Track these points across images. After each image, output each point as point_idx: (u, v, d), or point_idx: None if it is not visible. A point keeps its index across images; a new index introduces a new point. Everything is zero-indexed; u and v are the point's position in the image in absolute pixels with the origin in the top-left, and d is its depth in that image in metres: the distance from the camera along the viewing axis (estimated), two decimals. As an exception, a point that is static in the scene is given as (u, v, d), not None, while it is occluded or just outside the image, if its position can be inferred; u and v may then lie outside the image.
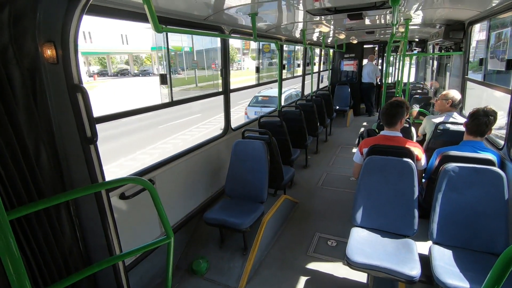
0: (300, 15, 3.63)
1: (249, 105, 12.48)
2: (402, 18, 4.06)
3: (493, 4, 2.96)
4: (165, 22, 2.54)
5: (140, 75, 41.49)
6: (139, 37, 39.41)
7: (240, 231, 2.79)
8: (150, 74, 40.32)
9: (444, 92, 3.46)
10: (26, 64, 1.54)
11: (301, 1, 2.90)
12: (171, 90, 2.62)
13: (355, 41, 8.54)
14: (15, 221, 1.32)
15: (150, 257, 2.63)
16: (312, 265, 2.93)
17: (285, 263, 2.97)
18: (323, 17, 3.72)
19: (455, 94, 3.34)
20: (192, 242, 3.19)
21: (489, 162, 2.32)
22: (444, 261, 2.10)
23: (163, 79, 2.52)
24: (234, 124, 4.01)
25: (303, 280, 2.73)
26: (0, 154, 1.32)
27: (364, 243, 2.35)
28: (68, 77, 1.58)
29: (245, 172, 3.20)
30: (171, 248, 1.45)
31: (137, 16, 2.16)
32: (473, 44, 4.28)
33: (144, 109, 2.40)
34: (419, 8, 3.48)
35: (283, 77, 5.06)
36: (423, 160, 2.68)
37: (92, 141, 1.71)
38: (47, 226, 1.51)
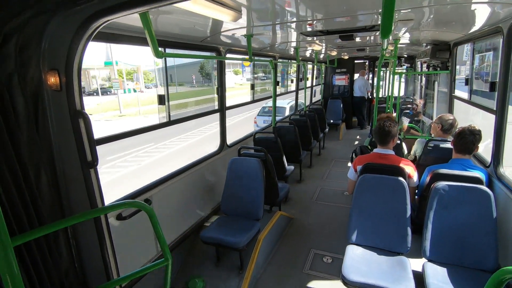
0: (294, 36, 3.76)
1: (258, 115, 13.89)
2: (391, 38, 4.23)
3: (475, 29, 3.13)
4: (164, 44, 2.61)
5: (94, 94, 33.98)
6: (91, 51, 32.67)
7: (236, 250, 2.79)
8: (109, 93, 32.76)
9: (439, 115, 3.50)
10: (30, 91, 1.58)
11: (294, 25, 3.01)
12: (169, 110, 2.67)
13: (346, 57, 8.79)
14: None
15: (146, 277, 2.61)
16: (308, 283, 2.93)
17: (281, 281, 2.97)
18: (316, 37, 3.85)
19: (446, 118, 3.32)
20: (188, 261, 3.17)
21: (477, 180, 2.41)
22: (437, 279, 2.15)
23: (161, 100, 2.57)
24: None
25: None
26: (2, 177, 1.34)
27: (359, 261, 2.39)
28: (71, 103, 1.61)
29: (241, 189, 3.22)
30: (169, 271, 1.46)
31: (138, 40, 2.23)
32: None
33: (143, 129, 2.44)
34: (407, 31, 3.65)
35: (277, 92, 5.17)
36: (415, 178, 2.76)
37: (93, 165, 1.73)
38: (45, 248, 1.51)
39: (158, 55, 1.89)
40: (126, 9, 1.40)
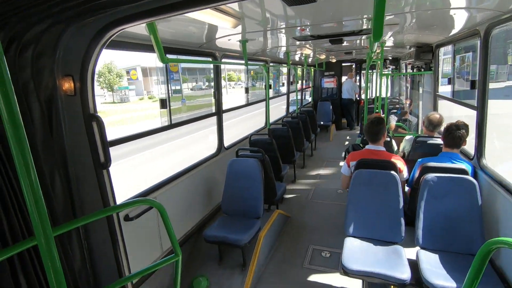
0: (286, 41, 3.92)
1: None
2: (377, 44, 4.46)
3: (455, 31, 3.36)
4: (166, 50, 2.72)
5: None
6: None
7: (239, 247, 2.89)
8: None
9: (426, 115, 3.65)
10: (44, 97, 1.66)
11: (287, 30, 3.17)
12: (170, 114, 2.77)
13: (334, 60, 9.06)
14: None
15: (153, 276, 2.67)
16: (309, 277, 3.05)
17: (283, 277, 3.07)
18: (306, 42, 4.03)
19: (431, 116, 3.48)
20: (191, 261, 3.23)
21: (463, 171, 2.59)
22: (431, 264, 2.30)
23: (163, 104, 2.67)
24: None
25: None
26: (10, 184, 1.40)
27: (357, 252, 2.52)
28: (85, 107, 1.69)
29: (241, 189, 3.33)
30: (179, 266, 1.50)
31: (145, 47, 2.33)
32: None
33: (149, 132, 2.56)
34: (392, 35, 3.86)
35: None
36: (405, 172, 2.93)
37: (106, 166, 1.81)
38: (59, 247, 1.56)
39: (163, 60, 1.99)
40: (138, 19, 1.50)
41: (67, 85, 1.65)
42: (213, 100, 3.75)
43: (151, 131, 2.64)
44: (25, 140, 0.75)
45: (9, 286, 1.31)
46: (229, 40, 3.21)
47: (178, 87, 28.23)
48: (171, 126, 2.81)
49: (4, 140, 1.34)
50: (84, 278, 1.89)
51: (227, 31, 2.82)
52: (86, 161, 1.78)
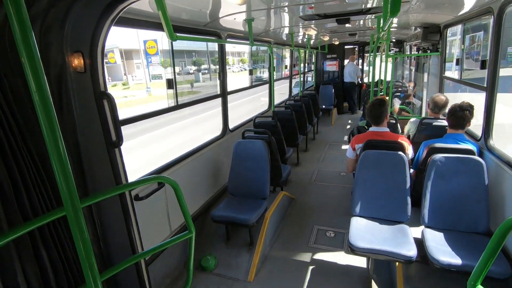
0: (292, 21, 3.82)
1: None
2: (382, 22, 4.35)
3: (466, 10, 3.28)
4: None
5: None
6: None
7: (247, 226, 2.93)
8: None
9: (432, 96, 3.61)
10: (53, 73, 1.63)
11: (294, 8, 3.09)
12: (177, 95, 2.74)
13: (337, 42, 8.89)
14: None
15: (162, 255, 2.72)
16: (315, 255, 3.12)
17: (289, 255, 3.14)
18: (313, 21, 3.93)
19: (436, 98, 3.44)
20: (198, 241, 3.29)
21: (470, 152, 2.60)
22: (436, 242, 2.35)
23: (170, 84, 2.64)
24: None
25: (307, 269, 2.92)
26: (32, 158, 1.40)
27: (364, 231, 2.56)
28: (96, 85, 1.67)
29: (247, 170, 3.34)
30: (193, 242, 1.53)
31: (153, 25, 2.27)
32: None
33: (159, 112, 2.57)
34: (401, 13, 3.77)
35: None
36: (410, 151, 2.94)
37: (118, 145, 1.80)
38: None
39: (172, 37, 1.94)
40: None
41: (77, 61, 1.62)
42: (218, 81, 3.70)
43: (161, 111, 2.62)
44: (53, 113, 0.74)
45: (30, 260, 1.33)
46: (234, 19, 3.14)
47: (158, 73, 26.20)
48: (177, 107, 2.79)
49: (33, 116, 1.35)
50: (97, 255, 1.93)
51: (232, 9, 2.75)
52: (97, 139, 1.77)
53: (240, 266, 2.96)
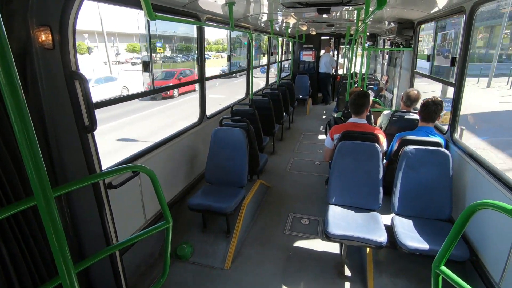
0: (273, 7, 3.75)
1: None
2: (362, 15, 4.42)
3: (439, 8, 3.42)
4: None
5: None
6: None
7: (224, 215, 2.92)
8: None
9: (405, 90, 3.76)
10: (16, 49, 1.46)
11: None
12: (153, 77, 2.60)
13: (314, 33, 8.93)
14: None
15: (135, 245, 2.64)
16: (290, 242, 3.19)
17: (265, 242, 3.19)
18: (294, 9, 3.89)
19: (410, 92, 3.60)
20: (174, 229, 3.22)
21: (437, 144, 2.77)
22: (404, 228, 2.50)
23: (146, 67, 2.48)
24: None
25: (283, 255, 2.99)
26: None
27: (339, 218, 2.66)
28: (66, 64, 1.52)
29: (225, 159, 3.30)
30: (170, 232, 1.46)
31: (131, 2, 2.10)
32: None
33: (134, 95, 2.42)
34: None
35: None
36: (384, 144, 3.07)
37: (91, 130, 1.68)
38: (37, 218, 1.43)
39: (151, 17, 1.82)
40: None
41: (44, 36, 1.47)
42: (196, 67, 3.57)
43: (137, 94, 2.47)
44: (23, 99, 0.65)
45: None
46: (214, 1, 3.01)
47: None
48: (154, 91, 2.65)
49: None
50: (68, 246, 1.82)
51: None
52: (68, 124, 1.63)
53: (217, 254, 2.96)
